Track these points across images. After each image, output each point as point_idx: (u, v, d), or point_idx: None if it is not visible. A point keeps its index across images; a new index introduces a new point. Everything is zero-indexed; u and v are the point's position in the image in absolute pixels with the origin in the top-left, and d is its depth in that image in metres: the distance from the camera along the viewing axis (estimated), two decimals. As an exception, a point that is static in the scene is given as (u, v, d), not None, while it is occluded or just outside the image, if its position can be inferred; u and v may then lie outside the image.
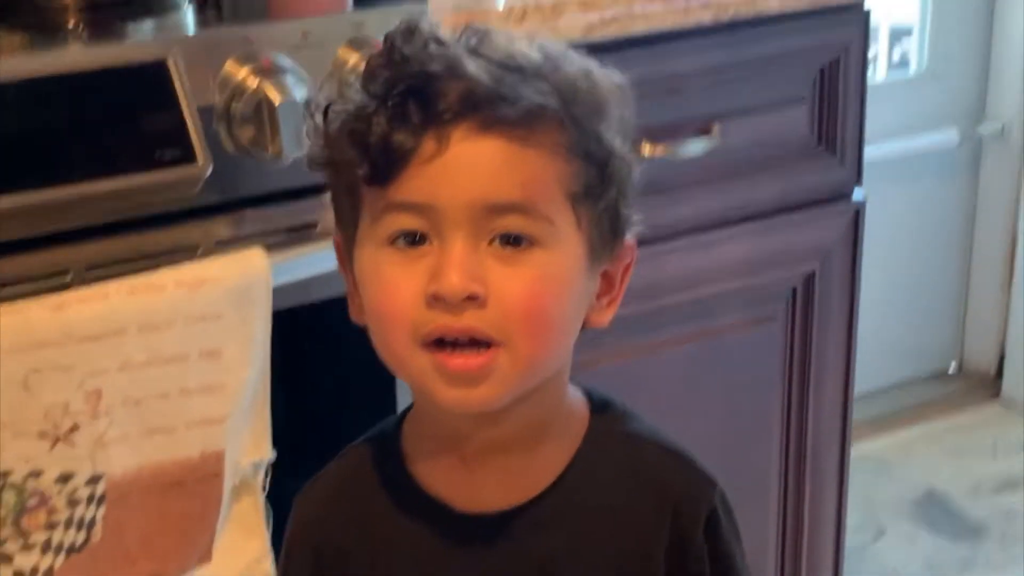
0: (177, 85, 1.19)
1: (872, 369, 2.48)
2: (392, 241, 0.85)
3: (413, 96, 0.82)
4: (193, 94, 1.20)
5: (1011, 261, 2.73)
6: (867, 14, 1.56)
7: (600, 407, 0.95)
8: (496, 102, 0.82)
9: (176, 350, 1.19)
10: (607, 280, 0.91)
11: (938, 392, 2.80)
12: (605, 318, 0.92)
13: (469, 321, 0.82)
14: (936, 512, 2.42)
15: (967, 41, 2.65)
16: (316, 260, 1.26)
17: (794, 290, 1.63)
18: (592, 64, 0.89)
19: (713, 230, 1.55)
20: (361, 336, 1.36)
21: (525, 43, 0.87)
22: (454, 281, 0.82)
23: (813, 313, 1.64)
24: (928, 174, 2.70)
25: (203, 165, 1.20)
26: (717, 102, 1.50)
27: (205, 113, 1.22)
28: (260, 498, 1.28)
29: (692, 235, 1.54)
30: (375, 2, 1.36)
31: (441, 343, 0.84)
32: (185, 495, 1.23)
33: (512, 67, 0.84)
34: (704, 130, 1.49)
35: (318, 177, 1.26)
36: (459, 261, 0.82)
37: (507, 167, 0.82)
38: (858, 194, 1.64)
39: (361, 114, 0.84)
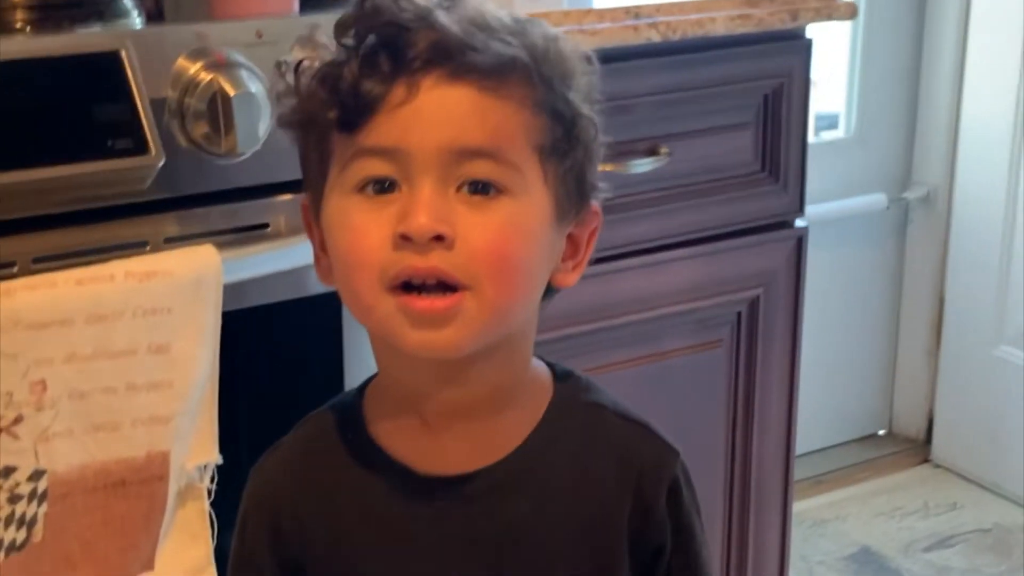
0: (130, 76, 1.18)
1: (802, 432, 2.48)
2: (361, 188, 0.84)
3: (384, 45, 0.83)
4: (146, 87, 1.19)
5: (938, 326, 2.77)
6: (809, 42, 1.59)
7: (563, 376, 0.95)
8: (467, 51, 0.83)
9: (124, 343, 1.16)
10: (572, 243, 0.91)
11: (868, 455, 2.81)
12: (571, 280, 0.92)
13: (435, 262, 0.82)
14: (871, 569, 2.42)
15: (893, 108, 2.72)
16: (267, 260, 1.25)
17: (739, 315, 1.64)
18: (559, 32, 0.90)
19: (660, 252, 1.55)
20: (308, 340, 1.35)
21: (494, 8, 0.88)
22: (422, 221, 0.81)
23: (757, 338, 1.64)
24: (857, 238, 2.74)
25: (155, 156, 1.18)
26: (665, 123, 1.52)
27: (157, 107, 1.21)
28: (205, 504, 1.25)
29: (640, 256, 1.54)
30: (322, 8, 1.37)
31: (408, 287, 0.83)
32: (129, 497, 1.20)
33: (482, 25, 0.85)
34: (652, 151, 1.50)
35: (271, 176, 1.28)
36: (427, 202, 0.82)
37: (476, 113, 0.83)
38: (801, 221, 1.65)
39: (333, 64, 0.85)
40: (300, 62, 0.88)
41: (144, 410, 1.18)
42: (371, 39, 0.83)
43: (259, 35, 1.25)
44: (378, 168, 0.83)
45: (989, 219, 2.59)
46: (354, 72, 0.83)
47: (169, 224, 1.23)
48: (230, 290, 1.22)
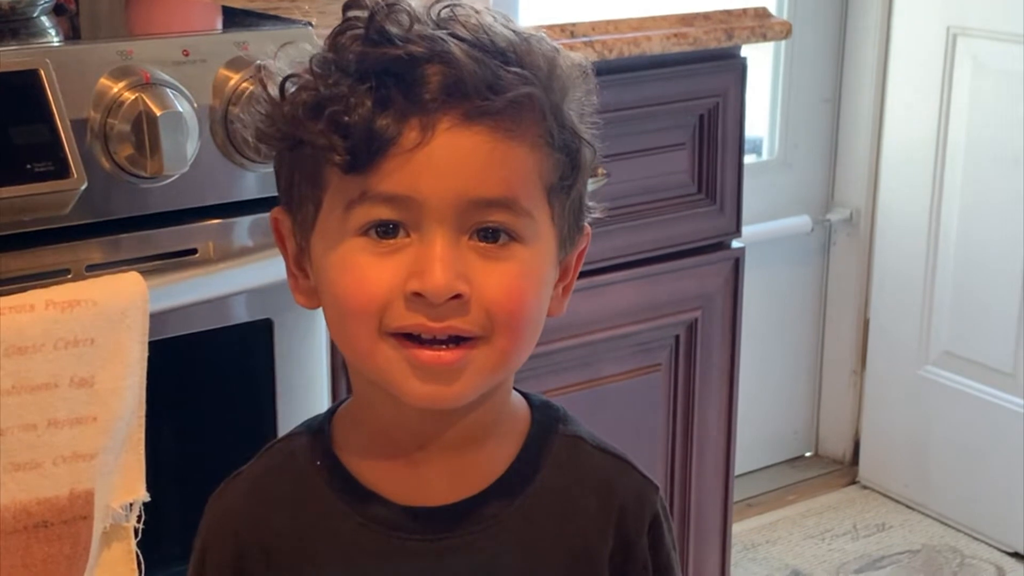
0: (50, 96, 1.13)
1: (731, 454, 2.47)
2: (365, 231, 0.80)
3: (396, 79, 0.78)
4: (67, 107, 1.14)
5: (863, 347, 2.77)
6: (744, 61, 1.58)
7: (540, 407, 0.91)
8: (482, 91, 0.78)
9: (45, 376, 1.11)
10: (563, 268, 0.88)
11: (796, 477, 2.81)
12: (562, 307, 0.89)
13: (452, 322, 0.79)
14: (803, 592, 2.41)
15: (816, 131, 2.72)
16: (196, 287, 1.21)
17: (677, 338, 1.61)
18: (558, 45, 0.85)
19: (598, 275, 1.52)
20: (239, 370, 1.30)
21: (491, 19, 0.82)
22: (439, 281, 0.77)
23: (696, 361, 1.62)
24: (782, 260, 2.74)
25: (77, 180, 1.13)
26: (602, 144, 1.49)
27: (79, 129, 1.15)
28: (132, 544, 1.19)
29: (578, 279, 1.51)
30: (248, 25, 1.32)
31: (410, 335, 0.80)
32: (51, 539, 1.14)
33: (492, 50, 0.80)
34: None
35: (199, 199, 1.23)
36: (443, 258, 0.78)
37: (492, 161, 0.79)
38: (737, 242, 1.63)
39: (336, 94, 0.79)
40: (288, 76, 0.82)
41: (67, 447, 1.12)
42: (379, 69, 0.78)
43: (186, 53, 1.21)
44: (386, 213, 0.79)
45: (912, 240, 2.61)
46: (366, 108, 0.77)
47: (92, 251, 1.18)
48: (157, 319, 1.17)
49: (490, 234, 0.79)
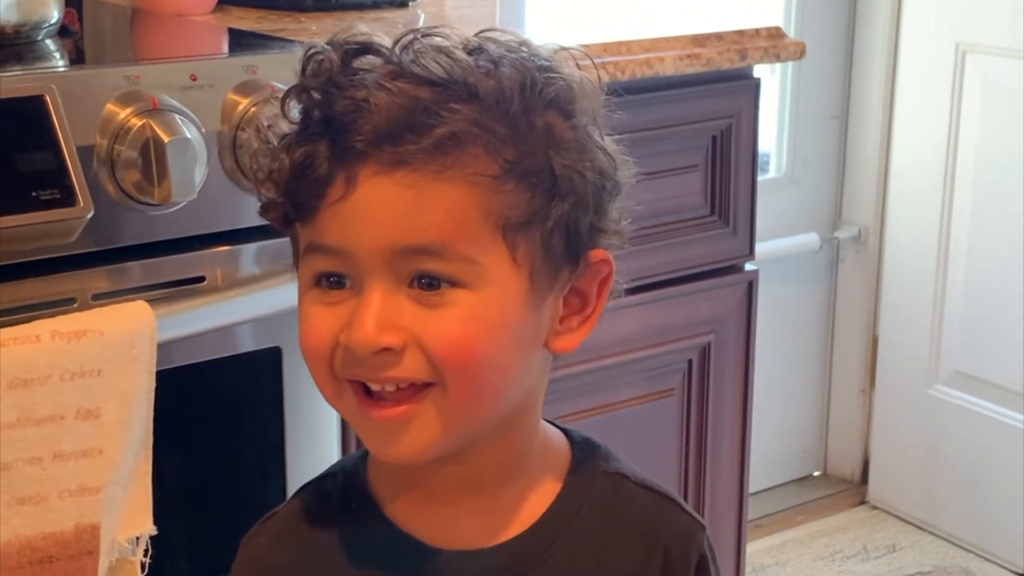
0: (56, 122, 1.11)
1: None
2: (317, 281, 0.80)
3: (326, 129, 0.77)
4: (73, 134, 1.12)
5: (872, 366, 2.75)
6: (758, 82, 1.56)
7: (581, 445, 0.89)
8: (403, 135, 0.75)
9: (50, 408, 1.08)
10: (580, 297, 0.84)
11: (805, 497, 2.78)
12: (574, 342, 0.85)
13: (389, 373, 0.77)
14: (813, 615, 2.39)
15: (823, 147, 2.71)
16: (204, 316, 1.18)
17: (690, 362, 1.59)
18: (545, 62, 0.81)
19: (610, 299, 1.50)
20: (247, 399, 1.28)
21: (462, 46, 0.79)
22: (362, 335, 0.76)
23: (709, 386, 1.60)
24: (790, 278, 2.72)
25: (84, 207, 1.11)
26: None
27: (85, 156, 1.13)
28: (139, 578, 1.17)
29: (588, 304, 1.49)
30: (255, 48, 1.31)
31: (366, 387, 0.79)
32: (56, 573, 1.11)
33: (437, 82, 0.76)
34: (600, 195, 1.45)
35: (207, 226, 1.21)
36: (373, 311, 0.77)
37: (417, 206, 0.76)
38: (750, 264, 1.61)
39: (279, 146, 0.79)
40: (268, 126, 0.81)
41: (72, 480, 1.10)
42: (314, 118, 0.78)
43: (193, 78, 1.18)
44: (328, 264, 0.79)
45: (921, 257, 2.59)
46: (298, 162, 0.77)
47: (98, 279, 1.16)
48: (164, 348, 1.15)
49: (431, 283, 0.77)
